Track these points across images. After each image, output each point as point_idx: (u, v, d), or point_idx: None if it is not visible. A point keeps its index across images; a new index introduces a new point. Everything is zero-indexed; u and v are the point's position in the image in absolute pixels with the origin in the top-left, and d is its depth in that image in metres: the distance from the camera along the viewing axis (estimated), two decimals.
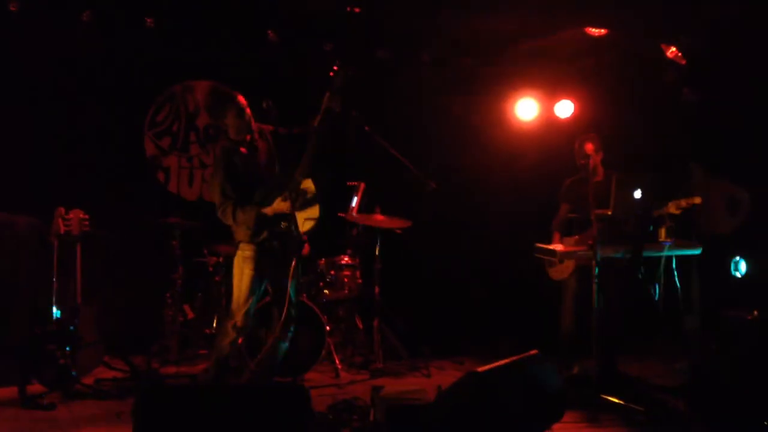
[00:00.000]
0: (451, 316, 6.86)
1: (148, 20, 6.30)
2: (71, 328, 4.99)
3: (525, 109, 7.33)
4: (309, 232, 4.62)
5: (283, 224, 4.59)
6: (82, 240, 5.12)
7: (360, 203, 6.18)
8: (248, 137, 4.70)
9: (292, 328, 4.79)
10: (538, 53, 7.11)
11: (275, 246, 4.64)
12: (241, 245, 4.69)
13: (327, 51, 6.94)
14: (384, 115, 6.50)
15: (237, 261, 4.72)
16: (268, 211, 4.56)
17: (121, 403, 4.93)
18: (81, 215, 5.10)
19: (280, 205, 4.53)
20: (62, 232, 5.02)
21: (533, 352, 4.31)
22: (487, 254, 7.22)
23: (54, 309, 4.99)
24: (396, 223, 6.11)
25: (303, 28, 6.80)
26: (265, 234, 4.61)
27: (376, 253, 6.06)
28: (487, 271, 7.20)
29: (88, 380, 5.21)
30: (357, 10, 6.12)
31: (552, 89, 7.25)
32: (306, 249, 5.10)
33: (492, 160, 7.31)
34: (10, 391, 4.97)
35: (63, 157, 6.29)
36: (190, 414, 3.36)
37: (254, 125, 4.73)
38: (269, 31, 6.74)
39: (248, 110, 4.69)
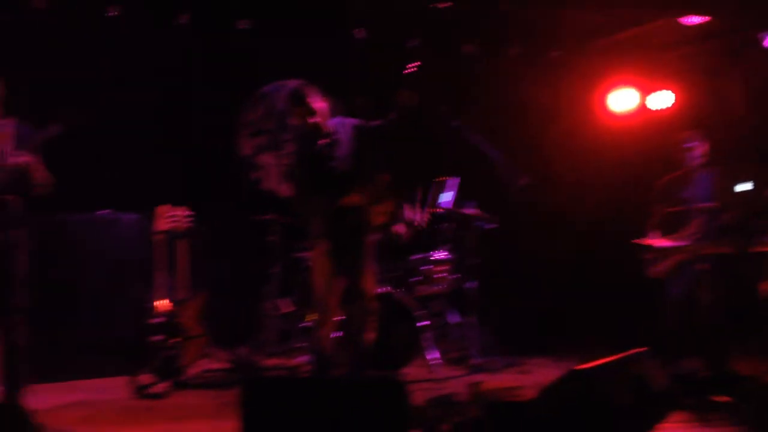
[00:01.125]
0: (546, 312, 6.76)
1: (242, 23, 6.44)
2: (177, 320, 5.16)
3: (619, 101, 7.16)
4: (381, 226, 4.66)
5: (357, 216, 4.63)
6: (185, 236, 5.30)
7: (453, 198, 6.18)
8: (323, 141, 4.74)
9: (371, 320, 4.83)
10: (632, 43, 6.93)
11: (351, 239, 4.68)
12: (319, 240, 4.73)
13: (413, 47, 6.95)
14: (472, 110, 6.48)
15: (315, 256, 4.76)
16: (343, 203, 4.59)
17: (225, 393, 5.05)
18: (184, 211, 5.28)
19: (355, 198, 4.56)
20: (167, 228, 5.21)
21: (638, 349, 4.21)
22: (581, 249, 7.09)
23: (161, 302, 5.17)
24: (489, 218, 6.08)
25: (389, 24, 6.84)
26: (341, 227, 4.64)
27: (470, 248, 6.04)
28: (582, 266, 7.07)
29: (194, 371, 5.39)
30: (447, 4, 6.10)
31: (648, 79, 7.05)
32: (403, 230, 5.14)
33: (585, 152, 7.17)
34: (121, 381, 5.19)
35: (166, 157, 6.49)
36: (294, 405, 3.42)
37: (332, 122, 4.76)
38: (356, 29, 6.80)
39: (323, 110, 4.71)
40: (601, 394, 3.75)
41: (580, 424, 3.73)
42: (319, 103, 4.71)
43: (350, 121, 4.83)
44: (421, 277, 5.99)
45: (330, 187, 4.63)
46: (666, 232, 5.50)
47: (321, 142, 4.71)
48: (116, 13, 6.06)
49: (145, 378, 5.12)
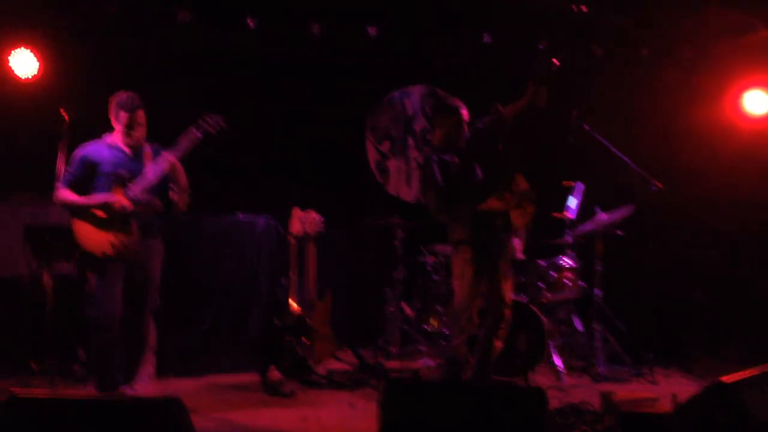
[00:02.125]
0: (674, 321, 6.53)
1: (371, 30, 6.56)
2: (307, 321, 5.30)
3: (755, 102, 6.85)
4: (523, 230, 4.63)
5: (498, 221, 4.61)
6: (315, 239, 5.44)
7: (578, 203, 6.08)
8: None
9: (503, 327, 4.82)
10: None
11: (492, 244, 4.66)
12: (461, 247, 4.71)
13: (542, 49, 6.89)
14: (602, 112, 6.36)
15: (457, 262, 4.73)
16: (483, 207, 4.57)
17: (353, 393, 5.19)
18: (315, 215, 5.42)
19: (494, 203, 4.53)
20: (299, 231, 5.37)
21: None
22: (713, 258, 6.82)
23: (291, 302, 5.33)
24: (617, 224, 5.95)
25: (518, 27, 6.81)
26: (482, 233, 4.62)
27: (597, 254, 5.92)
28: (713, 276, 6.79)
29: (321, 371, 5.49)
30: (584, 8, 6.00)
31: None
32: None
33: (717, 156, 6.88)
34: (253, 378, 5.38)
35: (296, 162, 6.68)
36: (433, 409, 3.46)
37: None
38: (484, 33, 6.80)
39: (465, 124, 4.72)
40: (746, 408, 3.60)
41: None
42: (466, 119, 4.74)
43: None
44: (546, 283, 5.92)
45: (471, 192, 4.63)
46: None
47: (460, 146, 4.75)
48: (252, 23, 6.29)
49: (275, 376, 5.29)
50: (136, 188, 4.47)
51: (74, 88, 5.57)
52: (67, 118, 4.30)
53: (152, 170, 4.50)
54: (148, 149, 4.64)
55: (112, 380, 4.57)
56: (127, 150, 4.59)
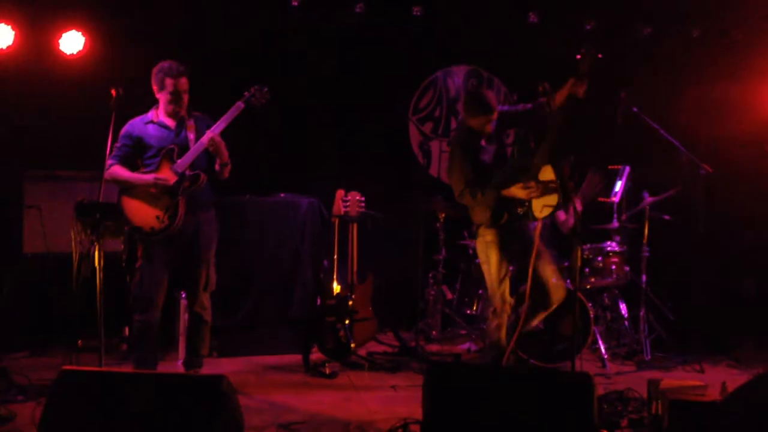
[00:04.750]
0: (721, 311, 6.38)
1: (415, 9, 6.49)
2: (349, 302, 5.29)
3: None
4: (546, 219, 4.56)
5: (520, 209, 4.56)
6: (358, 221, 5.43)
7: (624, 187, 5.97)
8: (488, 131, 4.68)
9: (551, 310, 4.80)
10: None
11: (516, 228, 4.62)
12: (481, 230, 4.72)
13: (588, 30, 6.78)
14: (651, 95, 6.23)
15: (480, 247, 4.76)
16: (506, 194, 4.53)
17: (394, 375, 5.20)
18: (358, 197, 5.40)
19: (518, 191, 4.48)
20: (342, 212, 5.35)
21: None
22: (763, 245, 6.66)
23: (334, 284, 5.33)
24: (663, 207, 5.83)
25: (563, 7, 6.71)
26: (505, 216, 4.60)
27: (644, 240, 5.81)
28: (763, 264, 6.63)
29: (361, 353, 5.51)
30: None
31: None
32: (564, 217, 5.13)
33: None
34: (295, 358, 5.42)
35: (340, 143, 6.67)
36: (478, 393, 3.42)
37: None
38: (530, 13, 6.70)
39: (494, 111, 4.62)
40: None
41: None
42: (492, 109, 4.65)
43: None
44: (592, 268, 5.82)
45: (496, 177, 4.59)
46: None
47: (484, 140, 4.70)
48: (296, 2, 6.26)
49: (317, 357, 5.30)
50: (183, 163, 4.47)
51: (121, 64, 5.60)
52: (114, 94, 4.31)
53: (195, 146, 4.51)
54: (190, 121, 4.61)
55: (147, 359, 4.61)
56: (170, 123, 4.58)
